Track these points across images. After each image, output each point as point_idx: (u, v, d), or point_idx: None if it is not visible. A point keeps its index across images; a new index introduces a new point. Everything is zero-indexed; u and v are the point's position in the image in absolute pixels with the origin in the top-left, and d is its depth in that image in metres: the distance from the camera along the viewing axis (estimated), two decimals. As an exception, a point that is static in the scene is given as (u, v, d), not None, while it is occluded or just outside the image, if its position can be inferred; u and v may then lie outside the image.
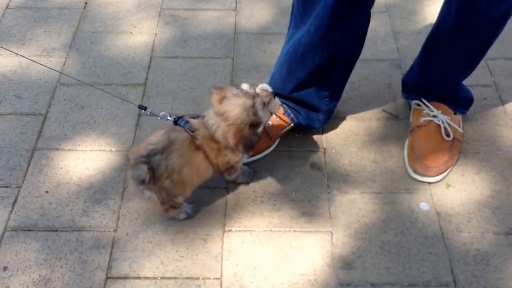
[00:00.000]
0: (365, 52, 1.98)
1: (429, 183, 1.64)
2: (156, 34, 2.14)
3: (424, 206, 1.59)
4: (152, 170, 1.40)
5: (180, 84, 1.93)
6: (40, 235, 1.50)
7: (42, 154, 1.71)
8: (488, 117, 1.81)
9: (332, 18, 1.47)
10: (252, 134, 1.43)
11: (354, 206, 1.58)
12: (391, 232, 1.52)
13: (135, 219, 1.54)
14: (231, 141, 1.40)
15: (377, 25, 2.15)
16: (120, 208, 1.57)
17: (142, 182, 1.40)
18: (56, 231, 1.51)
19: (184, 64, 2.02)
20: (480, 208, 1.57)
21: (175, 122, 1.47)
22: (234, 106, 1.39)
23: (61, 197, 1.59)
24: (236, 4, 2.30)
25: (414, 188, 1.62)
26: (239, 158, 1.52)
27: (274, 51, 2.07)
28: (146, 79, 1.96)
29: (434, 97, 1.74)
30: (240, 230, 1.53)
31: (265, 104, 1.44)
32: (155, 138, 1.44)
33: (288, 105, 1.71)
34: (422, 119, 1.72)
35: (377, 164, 1.68)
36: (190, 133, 1.43)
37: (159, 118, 1.50)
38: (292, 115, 1.71)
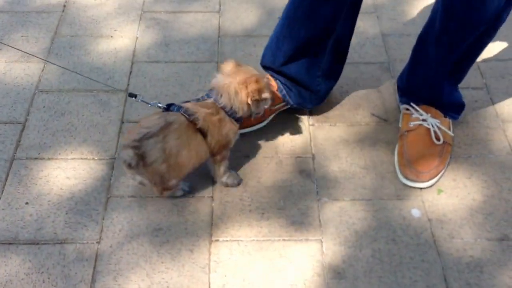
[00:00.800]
0: (353, 55, 2.05)
1: (421, 188, 1.68)
2: (137, 37, 2.17)
3: (415, 212, 1.63)
4: (140, 155, 1.45)
5: (162, 90, 1.96)
6: (21, 249, 1.52)
7: (21, 163, 1.72)
8: (479, 120, 1.87)
9: None
10: (269, 87, 1.56)
11: (344, 214, 1.61)
12: (382, 240, 1.55)
13: (119, 230, 1.57)
14: (246, 94, 1.51)
15: (365, 26, 2.20)
16: (104, 219, 1.59)
17: (129, 166, 1.47)
18: (38, 244, 1.53)
19: (167, 69, 2.05)
20: (472, 214, 1.61)
21: (167, 109, 1.55)
22: (252, 70, 1.58)
23: (42, 209, 1.61)
24: (220, 6, 2.33)
25: (405, 194, 1.66)
26: (236, 131, 1.59)
27: (260, 54, 2.05)
28: (128, 84, 1.98)
29: (424, 100, 1.78)
30: (227, 240, 1.55)
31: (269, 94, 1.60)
32: (148, 121, 1.50)
33: (280, 81, 1.76)
34: (412, 123, 1.76)
35: (367, 170, 1.72)
36: (187, 116, 1.50)
37: (150, 106, 1.57)
38: (284, 91, 1.76)
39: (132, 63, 2.06)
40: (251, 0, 2.34)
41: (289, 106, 1.81)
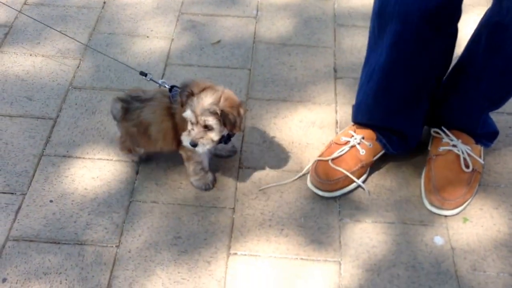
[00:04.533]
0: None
1: (445, 216, 1.52)
2: (173, 39, 2.03)
3: (438, 240, 1.48)
4: (125, 109, 1.47)
5: (194, 94, 1.85)
6: (41, 247, 1.43)
7: (49, 160, 1.62)
8: (512, 148, 1.70)
9: (416, 41, 1.35)
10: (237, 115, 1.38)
11: (365, 236, 1.47)
12: (401, 265, 1.41)
13: (139, 236, 1.46)
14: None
15: None
16: (124, 222, 1.48)
17: (114, 118, 1.51)
18: (58, 243, 1.43)
19: (200, 73, 1.91)
20: (496, 246, 1.45)
21: (170, 90, 1.50)
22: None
23: (65, 208, 1.51)
24: (257, 11, 2.17)
25: (429, 220, 1.51)
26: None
27: (294, 63, 1.95)
28: (160, 87, 1.87)
29: (455, 126, 1.61)
30: (245, 255, 1.43)
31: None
32: (147, 91, 1.50)
33: (380, 132, 1.59)
34: (441, 148, 1.59)
35: (392, 192, 1.56)
36: (171, 99, 1.46)
37: (159, 85, 1.52)
38: (383, 141, 1.59)
39: (166, 65, 1.93)
40: (289, 8, 2.18)
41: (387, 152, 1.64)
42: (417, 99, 1.52)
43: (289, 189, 1.58)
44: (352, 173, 1.55)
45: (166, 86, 1.49)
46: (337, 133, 1.73)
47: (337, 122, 1.76)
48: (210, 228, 1.48)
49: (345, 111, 1.78)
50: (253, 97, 1.83)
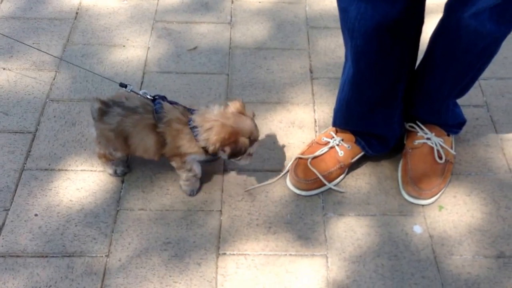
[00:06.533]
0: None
1: (423, 205, 1.58)
2: (149, 47, 2.03)
3: (417, 229, 1.53)
4: (102, 110, 1.45)
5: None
6: (29, 262, 1.41)
7: (31, 174, 1.60)
8: (480, 138, 1.76)
9: (377, 53, 1.39)
10: (243, 148, 1.45)
11: (349, 229, 1.51)
12: (385, 255, 1.46)
13: (128, 244, 1.46)
14: (222, 136, 1.40)
15: None
16: (113, 232, 1.48)
17: (92, 115, 1.48)
18: (46, 257, 1.42)
19: (178, 80, 1.92)
20: (471, 231, 1.52)
21: (153, 101, 1.49)
22: (249, 123, 1.46)
23: (51, 221, 1.49)
24: (231, 17, 2.19)
25: (408, 210, 1.56)
26: (192, 152, 1.47)
27: (270, 66, 1.98)
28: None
29: (428, 121, 1.67)
30: (234, 254, 1.45)
31: (253, 151, 1.52)
32: (133, 97, 1.48)
33: (358, 135, 1.63)
34: (416, 142, 1.65)
35: (371, 186, 1.62)
36: (155, 114, 1.45)
37: (139, 95, 1.50)
38: (362, 143, 1.63)
39: (144, 73, 1.93)
40: (262, 13, 2.21)
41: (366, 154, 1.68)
42: (389, 102, 1.57)
43: (273, 188, 1.61)
44: (330, 173, 1.60)
45: (148, 96, 1.49)
46: (316, 132, 1.77)
47: (315, 121, 1.80)
48: (198, 231, 1.50)
49: (323, 110, 1.83)
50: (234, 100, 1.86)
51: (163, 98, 1.49)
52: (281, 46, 2.07)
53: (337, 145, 1.63)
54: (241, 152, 1.46)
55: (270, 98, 1.87)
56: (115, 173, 1.60)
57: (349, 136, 1.65)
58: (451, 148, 1.68)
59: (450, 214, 1.57)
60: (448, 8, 1.40)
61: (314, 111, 1.84)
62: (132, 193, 1.57)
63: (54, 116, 1.77)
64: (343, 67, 1.56)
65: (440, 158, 1.63)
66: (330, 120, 1.76)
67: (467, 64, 1.47)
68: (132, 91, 1.51)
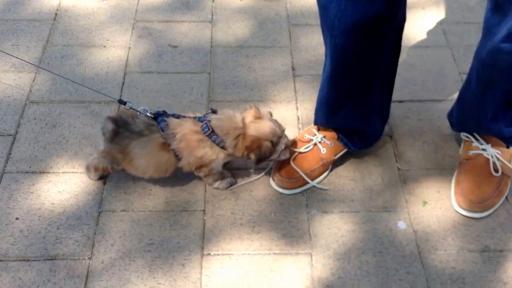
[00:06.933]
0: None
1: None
2: (130, 47, 2.03)
3: (401, 224, 1.54)
4: (115, 131, 1.43)
5: (155, 101, 1.83)
6: (11, 266, 1.39)
7: (11, 177, 1.59)
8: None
9: (356, 51, 1.40)
10: (268, 152, 1.49)
11: (333, 226, 1.52)
12: (369, 252, 1.47)
13: (111, 246, 1.45)
14: (245, 145, 1.45)
15: None
16: (95, 234, 1.47)
17: (103, 134, 1.47)
18: (28, 260, 1.41)
19: (159, 80, 1.92)
20: (455, 225, 1.53)
21: (155, 119, 1.48)
22: (267, 126, 1.49)
23: (32, 224, 1.48)
24: (212, 15, 2.19)
25: (392, 206, 1.57)
26: (216, 158, 1.47)
27: (252, 65, 1.98)
28: (120, 95, 1.84)
29: (482, 131, 1.64)
30: (219, 254, 1.45)
31: (284, 145, 1.54)
32: (140, 120, 1.46)
33: (340, 132, 1.63)
34: (471, 152, 1.62)
35: (355, 182, 1.63)
36: (161, 132, 1.45)
37: (139, 113, 1.49)
38: (345, 140, 1.63)
39: (125, 74, 1.92)
40: (243, 11, 2.22)
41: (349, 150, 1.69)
42: (367, 97, 1.56)
43: (257, 187, 1.61)
44: (313, 171, 1.61)
45: (148, 114, 1.48)
46: (299, 129, 1.78)
47: (298, 119, 1.81)
48: (182, 232, 1.50)
49: (306, 107, 1.84)
50: (215, 100, 1.85)
51: (163, 113, 1.49)
52: (263, 44, 2.08)
53: (319, 142, 1.63)
54: (267, 156, 1.49)
55: (252, 96, 1.88)
56: (100, 178, 1.59)
57: (331, 134, 1.65)
58: (509, 161, 1.62)
59: (434, 209, 1.58)
60: None
61: (297, 108, 1.85)
62: (114, 194, 1.57)
63: (35, 118, 1.76)
64: (323, 65, 1.56)
65: (496, 171, 1.59)
66: (313, 117, 1.77)
67: (504, 78, 1.44)
68: (132, 108, 1.49)
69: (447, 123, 1.77)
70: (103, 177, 1.59)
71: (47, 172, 1.61)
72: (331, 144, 1.63)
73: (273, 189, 1.60)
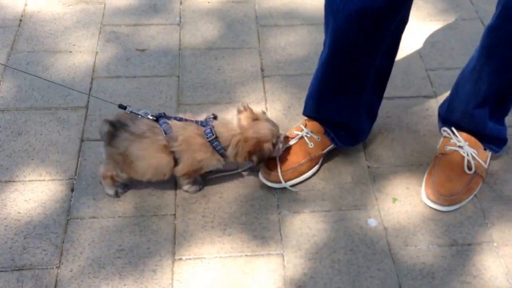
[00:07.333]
0: (310, 66, 1.95)
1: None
2: (97, 52, 2.01)
3: (372, 222, 1.57)
4: (111, 133, 1.44)
5: (124, 106, 1.84)
6: (-24, 278, 1.39)
7: (-24, 188, 1.58)
8: (430, 127, 1.81)
9: (355, 37, 1.43)
10: (268, 152, 1.53)
11: (305, 226, 1.54)
12: (341, 250, 1.49)
13: (80, 253, 1.44)
14: (247, 150, 1.49)
15: (321, 38, 2.03)
16: (64, 242, 1.46)
17: (101, 136, 1.48)
18: (-6, 272, 1.40)
19: (128, 84, 1.91)
20: (424, 221, 1.56)
21: (156, 121, 1.49)
22: (265, 127, 1.52)
23: (-2, 235, 1.48)
24: (180, 18, 2.19)
25: (362, 204, 1.60)
26: (212, 164, 1.52)
27: (221, 66, 1.99)
28: (88, 101, 1.83)
29: (465, 129, 1.67)
30: (190, 258, 1.45)
31: (280, 143, 1.59)
32: (139, 121, 1.47)
33: (327, 126, 1.65)
34: (448, 148, 1.65)
35: (326, 182, 1.64)
36: (164, 134, 1.46)
37: (140, 116, 1.49)
38: (332, 135, 1.66)
39: (92, 79, 1.91)
40: (211, 13, 2.22)
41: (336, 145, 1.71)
42: (357, 89, 1.59)
43: (228, 189, 1.62)
44: (301, 165, 1.63)
45: (149, 117, 1.48)
46: (269, 130, 1.81)
47: (268, 120, 1.83)
48: (153, 237, 1.49)
49: (275, 108, 1.85)
50: (184, 103, 1.85)
51: (163, 115, 1.50)
52: (232, 46, 2.08)
53: (306, 136, 1.65)
54: (266, 156, 1.53)
55: (222, 99, 1.88)
56: (116, 194, 1.57)
57: (319, 128, 1.67)
58: (485, 162, 1.66)
59: (404, 205, 1.60)
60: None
61: (267, 109, 1.86)
62: (82, 201, 1.56)
63: (0, 126, 1.75)
64: (320, 55, 1.59)
65: (470, 169, 1.62)
66: (283, 117, 1.79)
67: (506, 59, 1.46)
68: (132, 112, 1.49)
69: (416, 119, 1.82)
70: (120, 192, 1.56)
71: (13, 181, 1.59)
72: (318, 138, 1.66)
73: (243, 191, 1.61)
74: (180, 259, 1.45)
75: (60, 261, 1.42)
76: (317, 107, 1.65)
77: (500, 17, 1.41)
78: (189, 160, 1.48)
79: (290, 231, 1.52)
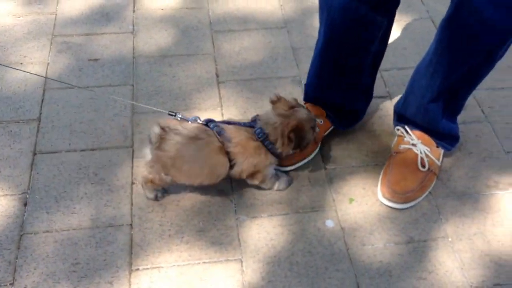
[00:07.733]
0: (265, 70, 2.00)
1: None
2: (48, 63, 1.99)
3: (329, 223, 1.60)
4: (161, 137, 1.46)
5: (77, 117, 1.81)
6: None
7: None
8: (385, 127, 1.85)
9: (348, 23, 1.49)
10: (309, 134, 1.58)
11: (262, 230, 1.55)
12: (299, 253, 1.51)
13: (34, 269, 1.42)
14: (288, 133, 1.51)
15: (276, 41, 2.12)
16: (17, 258, 1.44)
17: (150, 140, 1.50)
18: None
19: (81, 95, 1.89)
20: (380, 220, 1.60)
21: (206, 125, 1.53)
22: (304, 112, 1.57)
23: None
24: (133, 26, 2.19)
25: (319, 206, 1.62)
26: (268, 163, 1.56)
27: (176, 74, 1.99)
28: (40, 113, 1.81)
29: (419, 127, 1.71)
30: (148, 268, 1.45)
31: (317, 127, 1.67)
32: (188, 126, 1.50)
33: (327, 109, 1.73)
34: (402, 146, 1.70)
35: (282, 185, 1.68)
36: (218, 137, 1.49)
37: (189, 122, 1.52)
38: (332, 118, 1.73)
39: (44, 90, 1.89)
40: (165, 20, 2.22)
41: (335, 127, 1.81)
42: (357, 78, 1.67)
43: (184, 196, 1.62)
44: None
45: (199, 121, 1.52)
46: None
47: (224, 126, 1.85)
48: (109, 249, 1.49)
49: (231, 113, 1.86)
50: (139, 112, 1.84)
51: (212, 120, 1.54)
52: (186, 52, 2.09)
53: None
54: (307, 140, 1.56)
55: (178, 106, 1.88)
56: (156, 198, 1.60)
57: (321, 111, 1.75)
58: (438, 159, 1.71)
59: (360, 205, 1.64)
60: None
61: (222, 114, 1.87)
62: (35, 215, 1.54)
63: None
64: (315, 44, 1.66)
65: (423, 166, 1.66)
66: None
67: (462, 55, 1.48)
68: (182, 118, 1.51)
69: (370, 119, 1.86)
70: (159, 196, 1.58)
71: (-37, 199, 1.58)
72: (321, 122, 1.73)
73: (200, 198, 1.61)
74: (137, 269, 1.45)
75: (13, 277, 1.40)
76: (317, 92, 1.74)
77: (455, 9, 1.44)
78: (245, 164, 1.52)
79: (248, 236, 1.54)
